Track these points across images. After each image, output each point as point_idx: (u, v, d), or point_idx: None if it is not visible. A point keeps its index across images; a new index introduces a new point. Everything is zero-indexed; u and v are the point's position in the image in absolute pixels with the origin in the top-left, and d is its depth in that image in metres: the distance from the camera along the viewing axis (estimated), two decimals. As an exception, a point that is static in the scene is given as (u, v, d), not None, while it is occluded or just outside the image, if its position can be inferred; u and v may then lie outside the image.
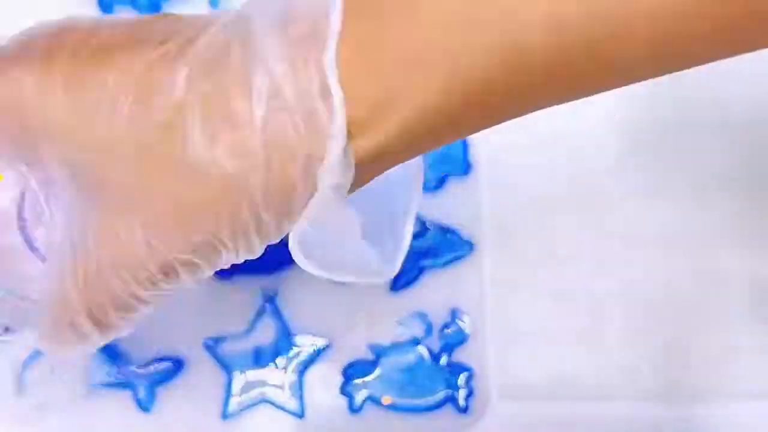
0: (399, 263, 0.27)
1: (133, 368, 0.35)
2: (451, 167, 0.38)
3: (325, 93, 0.19)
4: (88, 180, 0.20)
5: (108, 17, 0.23)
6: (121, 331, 0.23)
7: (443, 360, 0.35)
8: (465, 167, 0.38)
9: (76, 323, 0.22)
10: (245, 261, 0.36)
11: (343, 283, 0.36)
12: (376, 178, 0.22)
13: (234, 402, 0.34)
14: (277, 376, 0.35)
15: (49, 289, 0.22)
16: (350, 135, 0.20)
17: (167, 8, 0.40)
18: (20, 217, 0.23)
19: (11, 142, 0.21)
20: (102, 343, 0.23)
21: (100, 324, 0.22)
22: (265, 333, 0.35)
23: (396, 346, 0.35)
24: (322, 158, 0.20)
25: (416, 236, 0.37)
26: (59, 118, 0.20)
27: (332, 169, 0.20)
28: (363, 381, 0.35)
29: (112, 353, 0.35)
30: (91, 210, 0.20)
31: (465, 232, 0.37)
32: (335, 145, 0.19)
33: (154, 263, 0.20)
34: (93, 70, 0.20)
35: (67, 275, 0.21)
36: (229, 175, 0.20)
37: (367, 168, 0.21)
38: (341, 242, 0.24)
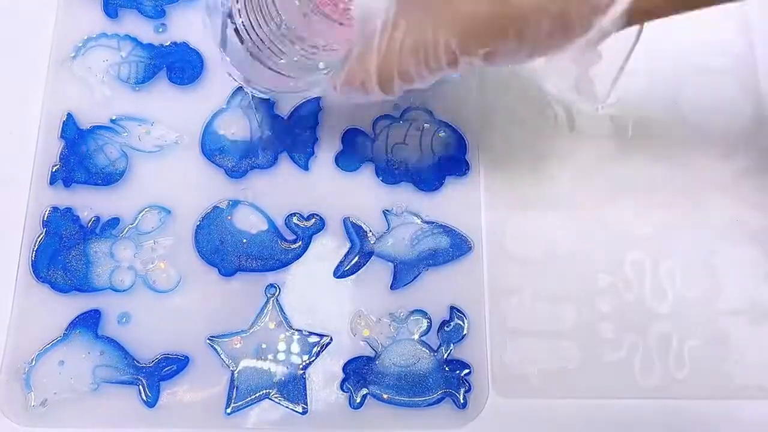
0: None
1: (138, 364, 0.35)
2: (449, 168, 0.39)
3: None
4: None
5: None
6: (395, 95, 0.28)
7: (442, 357, 0.36)
8: (463, 168, 0.39)
9: (367, 83, 0.27)
10: (248, 258, 0.36)
11: (343, 279, 0.36)
12: None
13: (237, 398, 0.35)
14: (279, 373, 0.35)
15: (354, 51, 0.27)
16: None
17: (171, 11, 0.41)
18: None
19: None
20: (376, 100, 0.29)
21: (384, 88, 0.27)
22: (268, 330, 0.36)
23: (396, 343, 0.36)
24: (605, 11, 0.23)
25: (417, 237, 0.38)
26: None
27: (609, 25, 0.24)
28: (363, 377, 0.35)
29: (118, 349, 0.35)
30: (408, 9, 0.25)
31: (463, 232, 0.38)
32: (620, 5, 0.23)
33: (446, 58, 0.26)
34: None
35: (374, 47, 0.26)
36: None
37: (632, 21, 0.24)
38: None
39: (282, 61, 0.30)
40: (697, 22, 0.27)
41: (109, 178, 0.38)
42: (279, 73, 0.31)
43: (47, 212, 0.37)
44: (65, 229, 0.37)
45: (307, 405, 0.35)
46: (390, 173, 0.38)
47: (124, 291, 0.36)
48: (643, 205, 0.38)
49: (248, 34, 0.30)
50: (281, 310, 0.36)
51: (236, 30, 0.30)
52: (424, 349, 0.36)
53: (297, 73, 0.31)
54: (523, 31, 0.24)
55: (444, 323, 0.36)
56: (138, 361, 0.35)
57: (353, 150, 0.39)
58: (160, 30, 0.41)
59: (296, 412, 0.35)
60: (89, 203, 0.37)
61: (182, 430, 0.34)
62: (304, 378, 0.35)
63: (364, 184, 0.38)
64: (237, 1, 0.30)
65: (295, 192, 0.38)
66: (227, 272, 0.36)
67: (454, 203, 0.38)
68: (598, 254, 0.37)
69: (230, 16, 0.31)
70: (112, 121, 0.39)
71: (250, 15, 0.30)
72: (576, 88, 0.30)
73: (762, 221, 0.38)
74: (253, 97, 0.38)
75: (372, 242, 0.37)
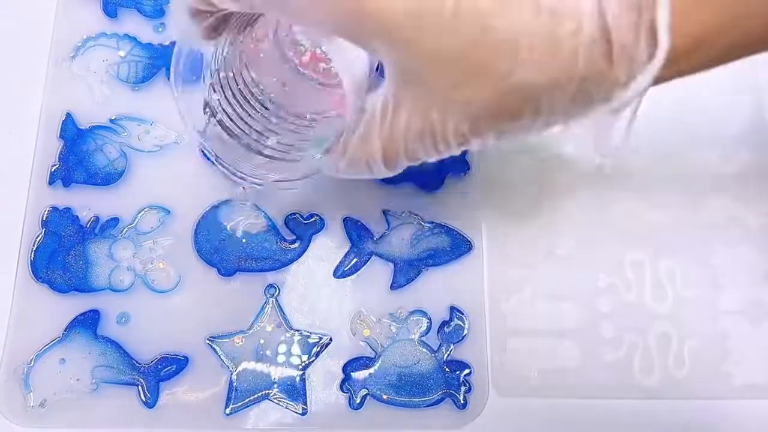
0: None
1: (137, 365, 0.35)
2: (449, 167, 0.39)
3: (653, 30, 0.21)
4: (410, 72, 0.23)
5: None
6: (400, 171, 0.27)
7: (442, 357, 0.36)
8: (463, 167, 0.39)
9: (371, 162, 0.26)
10: (248, 258, 0.36)
11: (343, 279, 0.36)
12: None
13: (237, 398, 0.35)
14: (279, 373, 0.35)
15: (357, 131, 0.26)
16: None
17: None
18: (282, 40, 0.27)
19: (340, 22, 0.22)
20: (382, 177, 0.27)
21: (389, 167, 0.26)
22: (267, 330, 0.36)
23: (396, 343, 0.36)
24: (626, 85, 0.22)
25: (417, 237, 0.38)
26: (399, 24, 0.22)
27: (628, 97, 0.22)
28: (363, 377, 0.35)
29: (117, 350, 0.35)
30: (409, 90, 0.24)
31: (463, 232, 0.38)
32: (642, 81, 0.21)
33: (455, 141, 0.24)
34: None
35: (377, 128, 0.25)
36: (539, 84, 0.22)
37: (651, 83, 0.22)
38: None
39: (273, 142, 0.29)
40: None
41: (108, 178, 0.38)
42: (274, 158, 0.30)
43: (46, 212, 0.37)
44: (64, 229, 0.37)
45: (306, 405, 0.35)
46: (390, 173, 0.38)
47: (123, 291, 0.36)
48: (643, 205, 0.38)
49: (234, 123, 0.29)
50: (281, 310, 0.36)
51: (220, 123, 0.29)
52: (424, 349, 0.36)
53: (293, 155, 0.30)
54: (537, 110, 0.23)
55: (444, 323, 0.36)
56: (137, 362, 0.35)
57: (353, 150, 0.39)
58: (160, 30, 0.41)
59: (296, 412, 0.35)
60: (88, 203, 0.37)
61: (182, 430, 0.34)
62: (304, 378, 0.35)
63: (364, 184, 0.38)
64: (214, 91, 0.29)
65: (295, 192, 0.38)
66: (227, 272, 0.36)
67: (454, 203, 0.38)
68: (598, 254, 0.38)
69: (210, 108, 0.29)
70: (112, 120, 0.39)
71: (231, 100, 0.28)
72: (594, 145, 0.28)
73: (761, 221, 0.38)
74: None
75: (372, 242, 0.37)
